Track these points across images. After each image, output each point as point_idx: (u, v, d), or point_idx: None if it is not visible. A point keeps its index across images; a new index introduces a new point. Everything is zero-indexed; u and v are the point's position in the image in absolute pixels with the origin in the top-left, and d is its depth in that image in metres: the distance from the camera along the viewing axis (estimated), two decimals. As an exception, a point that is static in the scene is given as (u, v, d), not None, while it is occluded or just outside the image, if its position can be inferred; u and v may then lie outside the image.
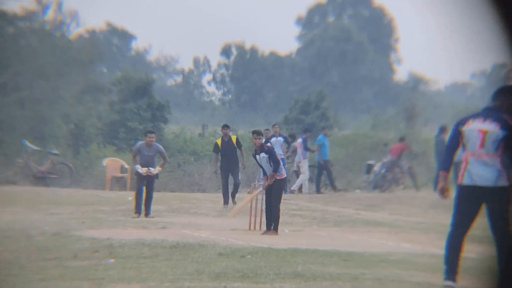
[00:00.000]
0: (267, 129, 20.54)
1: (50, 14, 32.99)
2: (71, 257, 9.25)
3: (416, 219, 16.00)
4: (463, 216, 7.39)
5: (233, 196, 17.17)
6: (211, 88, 68.01)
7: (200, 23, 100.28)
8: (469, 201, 7.37)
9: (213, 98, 67.80)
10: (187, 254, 9.48)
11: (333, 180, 22.75)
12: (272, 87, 64.32)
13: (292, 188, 21.79)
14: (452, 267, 7.36)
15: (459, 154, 7.51)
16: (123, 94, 29.82)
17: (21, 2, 36.86)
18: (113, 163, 23.39)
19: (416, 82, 63.15)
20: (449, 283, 7.37)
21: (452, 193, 7.50)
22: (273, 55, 66.16)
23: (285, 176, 12.99)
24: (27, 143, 23.51)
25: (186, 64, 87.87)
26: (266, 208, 12.81)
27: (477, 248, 8.15)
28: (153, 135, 15.22)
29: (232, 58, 65.58)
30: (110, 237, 10.81)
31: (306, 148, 21.80)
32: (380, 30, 70.36)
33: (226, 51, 65.57)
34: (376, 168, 24.26)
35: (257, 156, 12.78)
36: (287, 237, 12.28)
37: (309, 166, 22.38)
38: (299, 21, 72.35)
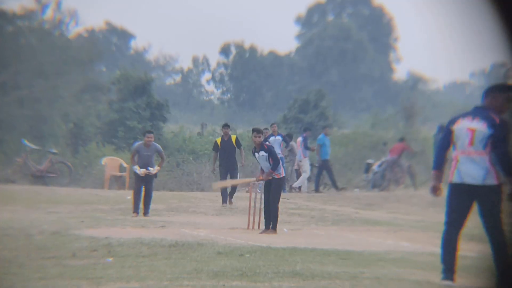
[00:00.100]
0: (266, 128, 20.51)
1: (49, 13, 33.00)
2: (70, 256, 9.25)
3: (415, 218, 16.02)
4: (455, 214, 7.47)
5: (231, 196, 17.19)
6: (210, 87, 68.11)
7: (199, 22, 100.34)
8: (459, 199, 7.46)
9: (212, 97, 67.90)
10: (186, 253, 9.48)
11: (335, 179, 22.74)
12: (271, 86, 64.33)
13: (293, 185, 21.81)
14: (449, 265, 7.42)
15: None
16: (122, 93, 29.82)
17: (20, 1, 36.83)
18: (112, 162, 23.39)
19: (415, 81, 63.21)
20: (447, 282, 7.41)
21: (445, 192, 7.57)
22: (272, 54, 66.17)
23: (284, 175, 12.98)
24: (26, 142, 23.51)
25: (185, 63, 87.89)
26: (264, 207, 12.81)
27: (476, 246, 8.17)
28: (152, 135, 15.22)
29: (231, 57, 65.60)
30: (108, 236, 10.81)
31: (306, 147, 21.79)
32: (379, 29, 70.38)
33: (225, 50, 65.59)
34: (374, 167, 24.28)
35: (256, 154, 12.78)
36: (286, 236, 12.28)
37: (310, 165, 22.37)
38: (298, 20, 72.39)
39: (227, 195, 17.11)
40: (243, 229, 13.15)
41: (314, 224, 14.56)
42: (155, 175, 15.24)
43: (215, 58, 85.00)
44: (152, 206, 15.24)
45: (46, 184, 22.44)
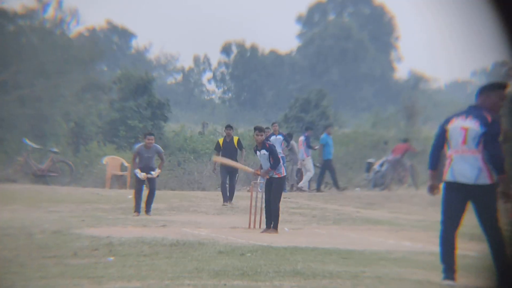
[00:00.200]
0: (268, 128, 20.46)
1: (51, 12, 32.99)
2: (71, 255, 9.25)
3: (416, 217, 16.02)
4: (450, 213, 7.53)
5: (230, 199, 17.21)
6: (211, 87, 68.09)
7: (200, 22, 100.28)
8: (453, 197, 7.50)
9: (213, 96, 67.88)
10: (187, 252, 9.48)
11: (337, 179, 22.73)
12: (272, 86, 64.32)
13: (299, 185, 21.76)
14: (449, 265, 7.44)
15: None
16: (123, 92, 29.82)
17: (21, 0, 36.89)
18: (113, 161, 23.41)
19: (416, 80, 63.19)
20: (448, 282, 7.42)
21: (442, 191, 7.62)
22: (273, 53, 66.16)
23: (284, 174, 12.98)
24: (27, 141, 23.52)
25: (186, 63, 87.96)
26: (265, 206, 12.82)
27: (476, 246, 8.17)
28: (152, 137, 15.25)
29: (232, 56, 65.59)
30: (110, 235, 10.82)
31: (309, 146, 21.77)
32: (380, 28, 70.36)
33: (226, 50, 65.58)
34: (376, 166, 24.28)
35: (258, 153, 12.80)
36: (287, 235, 12.28)
37: (313, 166, 22.33)
38: (299, 19, 72.38)
39: (227, 194, 17.12)
40: (244, 228, 13.16)
41: (315, 223, 14.56)
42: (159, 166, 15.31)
43: (216, 57, 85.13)
44: (153, 205, 15.24)
45: (47, 183, 22.45)
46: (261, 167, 12.86)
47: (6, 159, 24.32)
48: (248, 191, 18.19)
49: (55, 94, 28.83)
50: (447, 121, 7.68)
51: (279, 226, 12.68)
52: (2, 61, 27.63)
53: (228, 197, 17.18)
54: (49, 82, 28.48)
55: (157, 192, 15.52)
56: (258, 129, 12.96)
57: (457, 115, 7.65)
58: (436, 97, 53.13)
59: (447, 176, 7.54)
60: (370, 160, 25.21)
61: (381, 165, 24.17)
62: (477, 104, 7.60)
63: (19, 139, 24.77)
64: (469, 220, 7.56)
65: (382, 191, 23.14)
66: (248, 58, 64.72)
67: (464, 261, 7.95)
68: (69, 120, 28.83)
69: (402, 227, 14.19)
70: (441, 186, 7.69)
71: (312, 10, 72.01)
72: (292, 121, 33.63)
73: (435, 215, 14.87)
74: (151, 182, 15.13)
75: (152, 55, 70.60)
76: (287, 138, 21.45)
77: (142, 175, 14.91)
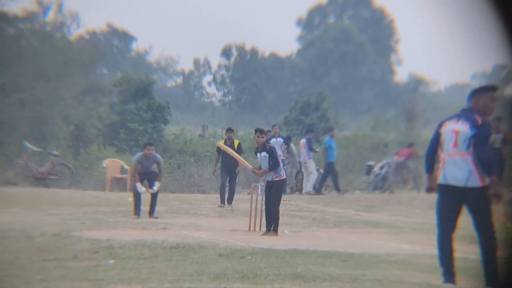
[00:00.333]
0: (269, 130, 20.43)
1: (51, 15, 33.01)
2: (71, 258, 9.25)
3: (416, 220, 16.01)
4: (444, 215, 7.58)
5: (230, 201, 17.21)
6: (211, 89, 68.15)
7: (201, 24, 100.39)
8: (447, 200, 7.55)
9: (213, 99, 67.92)
10: (187, 255, 9.48)
11: (338, 182, 22.73)
12: (272, 88, 64.35)
13: (306, 191, 21.67)
14: (448, 268, 7.46)
15: None
16: (124, 95, 29.83)
17: (21, 3, 36.92)
18: (113, 164, 23.40)
19: (416, 83, 63.25)
20: (449, 285, 7.42)
21: None
22: (273, 56, 66.21)
23: (285, 177, 12.99)
24: (27, 144, 23.51)
25: (187, 65, 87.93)
26: (265, 209, 12.82)
27: (476, 249, 8.15)
28: (152, 147, 15.28)
29: (233, 59, 65.64)
30: (110, 238, 10.82)
31: (311, 149, 21.75)
32: (380, 31, 70.43)
33: (226, 52, 65.64)
34: (376, 169, 24.29)
35: (258, 154, 12.81)
36: (287, 238, 12.28)
37: (316, 170, 22.31)
38: (299, 22, 72.47)
39: (225, 196, 17.14)
40: (244, 231, 13.16)
41: (315, 226, 14.56)
42: (158, 177, 15.28)
43: (216, 60, 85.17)
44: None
45: (47, 186, 22.45)
46: (260, 168, 12.87)
47: (6, 162, 24.32)
48: (248, 193, 18.19)
49: (55, 97, 28.83)
50: (441, 124, 7.75)
51: (279, 229, 12.68)
52: (2, 64, 27.64)
53: (228, 199, 17.18)
54: (49, 85, 28.49)
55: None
56: (259, 131, 12.97)
57: (450, 118, 7.71)
58: (436, 100, 53.20)
59: (440, 179, 7.61)
60: (370, 163, 25.23)
61: (381, 167, 24.19)
62: (469, 107, 7.66)
63: (19, 142, 24.77)
64: (469, 223, 7.57)
65: (382, 193, 23.14)
66: (248, 60, 64.76)
67: (464, 264, 7.95)
68: (69, 123, 28.84)
69: (402, 230, 14.19)
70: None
71: (312, 13, 72.09)
72: (292, 124, 33.65)
73: (435, 218, 14.90)
74: (152, 184, 15.18)
75: (152, 58, 70.76)
76: (287, 140, 21.45)
77: (142, 189, 14.97)
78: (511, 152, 15.63)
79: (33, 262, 8.95)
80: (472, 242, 7.68)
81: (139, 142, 28.13)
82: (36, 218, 13.94)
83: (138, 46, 72.23)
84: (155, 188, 15.00)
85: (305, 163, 21.78)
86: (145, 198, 15.11)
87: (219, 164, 17.55)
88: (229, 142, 17.39)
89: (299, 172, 22.56)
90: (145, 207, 15.05)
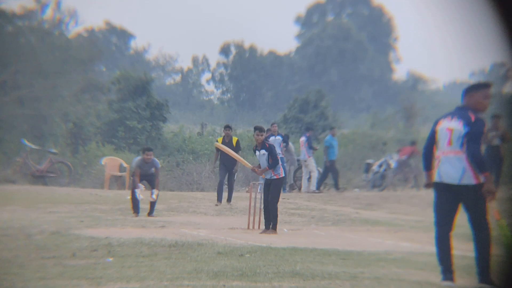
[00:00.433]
0: (269, 129, 20.40)
1: (49, 13, 33.03)
2: (70, 256, 9.24)
3: (415, 218, 16.01)
4: (441, 213, 7.61)
5: (228, 199, 17.21)
6: (210, 87, 68.14)
7: (199, 22, 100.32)
8: (443, 198, 7.58)
9: (212, 97, 67.92)
10: (185, 253, 9.48)
11: (338, 181, 22.73)
12: (271, 86, 64.35)
13: (310, 190, 21.64)
14: (447, 266, 7.49)
15: None
16: (122, 93, 29.81)
17: (20, 1, 36.88)
18: (111, 162, 23.39)
19: (415, 81, 63.28)
20: (448, 283, 7.43)
21: None
22: (272, 54, 66.19)
23: (283, 175, 12.98)
24: (26, 142, 23.51)
25: (185, 63, 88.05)
26: (264, 207, 12.81)
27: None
28: (151, 152, 15.28)
29: (231, 57, 65.62)
30: (108, 236, 10.81)
31: (310, 147, 21.74)
32: (379, 29, 70.42)
33: (225, 50, 65.61)
34: (374, 167, 24.29)
35: (257, 152, 12.80)
36: (286, 236, 12.28)
37: (317, 170, 22.30)
38: (298, 20, 72.43)
39: (222, 194, 17.14)
40: (243, 229, 13.16)
41: (314, 224, 14.56)
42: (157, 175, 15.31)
43: (215, 58, 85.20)
44: (152, 206, 15.24)
45: (46, 184, 22.44)
46: (259, 167, 12.87)
47: (5, 160, 24.31)
48: (247, 191, 18.18)
49: (53, 94, 28.84)
50: (436, 122, 7.79)
51: (278, 227, 12.68)
52: (0, 61, 27.63)
53: (227, 196, 17.18)
54: (48, 83, 28.48)
55: (156, 193, 15.50)
56: (259, 129, 12.96)
57: (445, 116, 7.74)
58: (434, 98, 53.19)
59: (435, 177, 7.64)
60: (369, 161, 25.23)
61: (380, 165, 24.19)
62: (463, 105, 7.68)
63: (18, 140, 24.77)
64: (466, 221, 7.57)
65: (381, 191, 23.15)
66: (247, 58, 64.75)
67: (463, 262, 7.96)
68: (67, 120, 28.84)
69: (401, 227, 14.19)
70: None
71: (311, 11, 72.08)
72: (291, 122, 33.66)
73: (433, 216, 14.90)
74: (152, 182, 15.18)
75: (150, 55, 70.72)
76: (286, 139, 21.44)
77: (141, 197, 14.98)
78: (509, 150, 15.63)
79: (31, 260, 8.94)
80: (471, 239, 7.68)
81: (137, 140, 28.14)
82: (35, 216, 13.93)
83: (136, 44, 72.40)
84: (154, 196, 14.99)
85: (305, 161, 21.76)
86: (144, 199, 15.08)
87: (218, 162, 17.54)
88: (228, 139, 17.36)
89: (298, 170, 22.57)
90: (144, 205, 15.04)
